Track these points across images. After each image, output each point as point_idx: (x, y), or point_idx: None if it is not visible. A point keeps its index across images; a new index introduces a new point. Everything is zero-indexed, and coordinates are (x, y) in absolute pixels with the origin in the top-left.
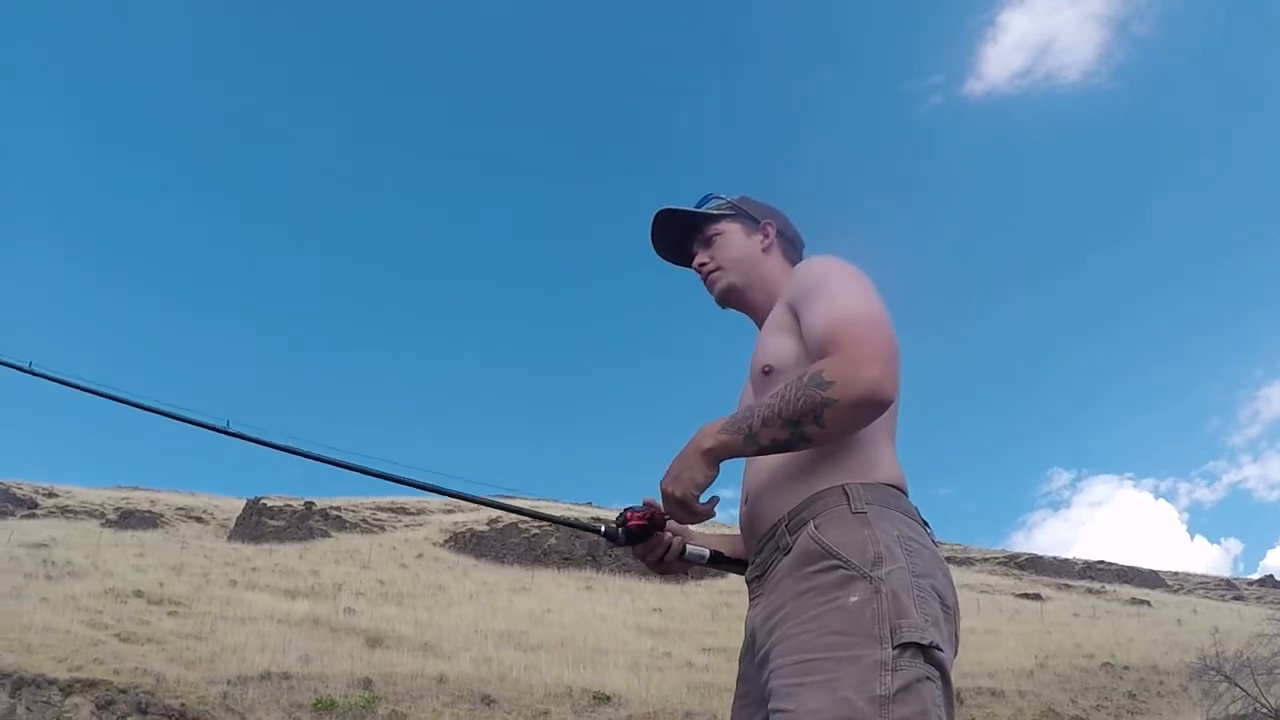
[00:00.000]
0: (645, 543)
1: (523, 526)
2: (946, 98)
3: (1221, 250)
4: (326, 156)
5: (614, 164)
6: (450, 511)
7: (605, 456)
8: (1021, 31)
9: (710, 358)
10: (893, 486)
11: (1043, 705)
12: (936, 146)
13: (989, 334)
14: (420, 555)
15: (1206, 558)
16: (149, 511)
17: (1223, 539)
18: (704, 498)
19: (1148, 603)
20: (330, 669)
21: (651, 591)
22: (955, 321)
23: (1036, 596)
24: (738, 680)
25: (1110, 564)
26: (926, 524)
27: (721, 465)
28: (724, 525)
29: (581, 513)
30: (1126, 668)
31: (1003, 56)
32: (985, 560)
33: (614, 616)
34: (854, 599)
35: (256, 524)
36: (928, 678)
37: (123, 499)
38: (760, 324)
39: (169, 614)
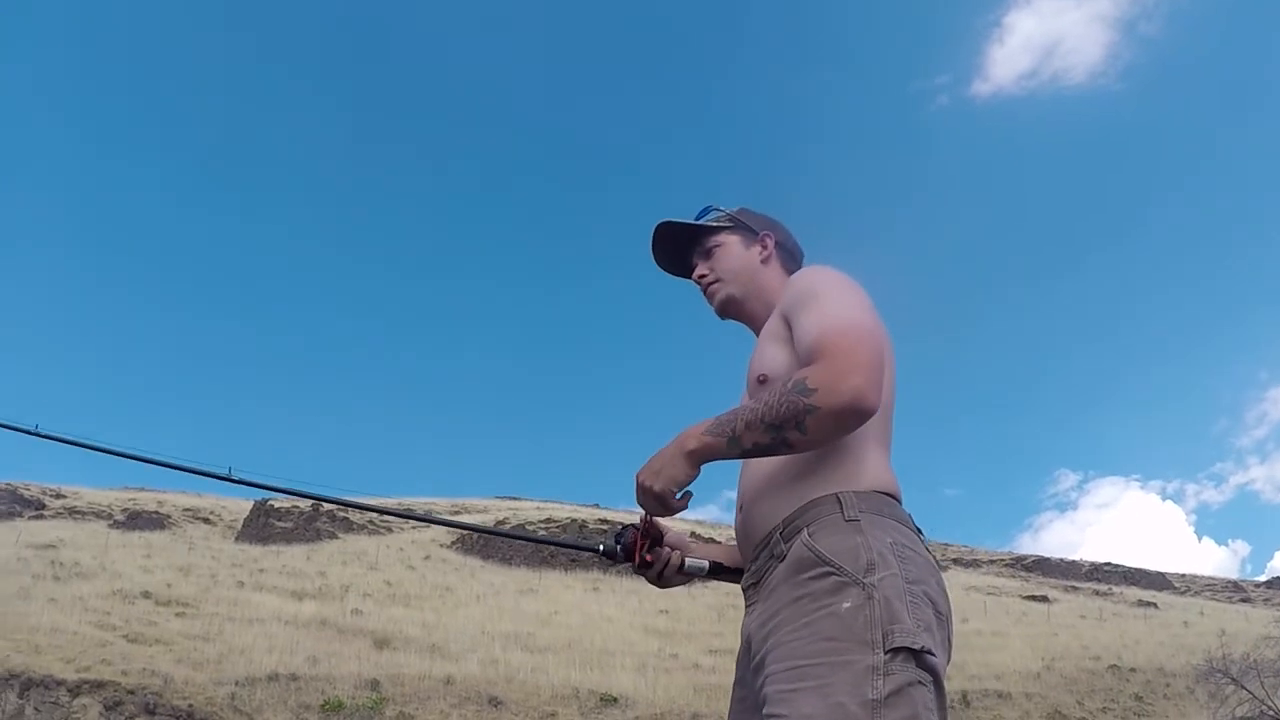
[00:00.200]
0: (645, 560)
1: (530, 527)
2: (953, 98)
3: (1228, 250)
4: (327, 157)
5: (618, 165)
6: (457, 513)
7: (611, 457)
8: (1028, 32)
9: (716, 359)
10: (886, 494)
11: (1049, 707)
12: (943, 147)
13: (995, 335)
14: (427, 557)
15: (1214, 560)
16: (156, 512)
17: (1230, 541)
18: (678, 494)
19: (1155, 605)
20: (338, 670)
21: (658, 593)
22: (961, 322)
23: (1043, 598)
24: (734, 685)
25: (1117, 566)
26: (920, 531)
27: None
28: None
29: (588, 514)
30: (1133, 670)
31: (1009, 57)
32: (992, 562)
33: (621, 618)
34: (847, 605)
35: (264, 525)
36: (919, 682)
37: (130, 500)
38: (759, 334)
39: (176, 615)
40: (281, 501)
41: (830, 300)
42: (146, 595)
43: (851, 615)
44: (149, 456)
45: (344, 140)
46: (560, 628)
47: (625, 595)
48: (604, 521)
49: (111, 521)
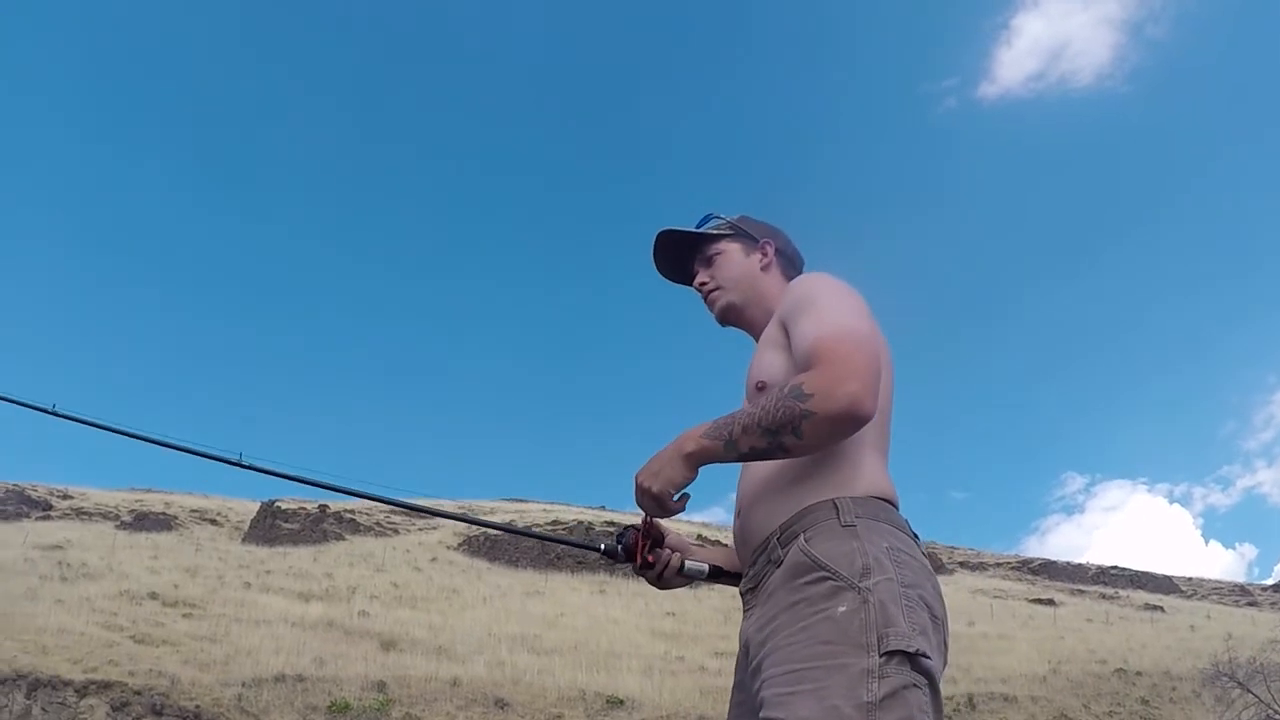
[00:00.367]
0: (647, 561)
1: (535, 529)
2: (960, 101)
3: (1236, 253)
4: (329, 156)
5: (625, 165)
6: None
7: (617, 460)
8: (1036, 35)
9: (723, 362)
10: (883, 500)
11: (1055, 711)
12: (951, 149)
13: (1003, 337)
14: (434, 559)
15: (1221, 563)
16: (163, 514)
17: (1237, 544)
18: (675, 496)
19: (1161, 608)
20: (344, 672)
21: (664, 596)
22: (969, 324)
23: (1050, 602)
24: (733, 689)
25: (1124, 569)
26: (916, 536)
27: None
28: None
29: (594, 516)
30: (1139, 674)
31: (1017, 60)
32: (999, 565)
33: (627, 620)
34: (842, 609)
35: (271, 527)
36: (914, 684)
37: (137, 501)
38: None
39: (184, 616)
40: (288, 503)
41: (827, 307)
42: (153, 596)
43: (847, 619)
44: (161, 439)
45: (347, 141)
46: (567, 630)
47: (631, 598)
48: (610, 524)
49: (118, 522)
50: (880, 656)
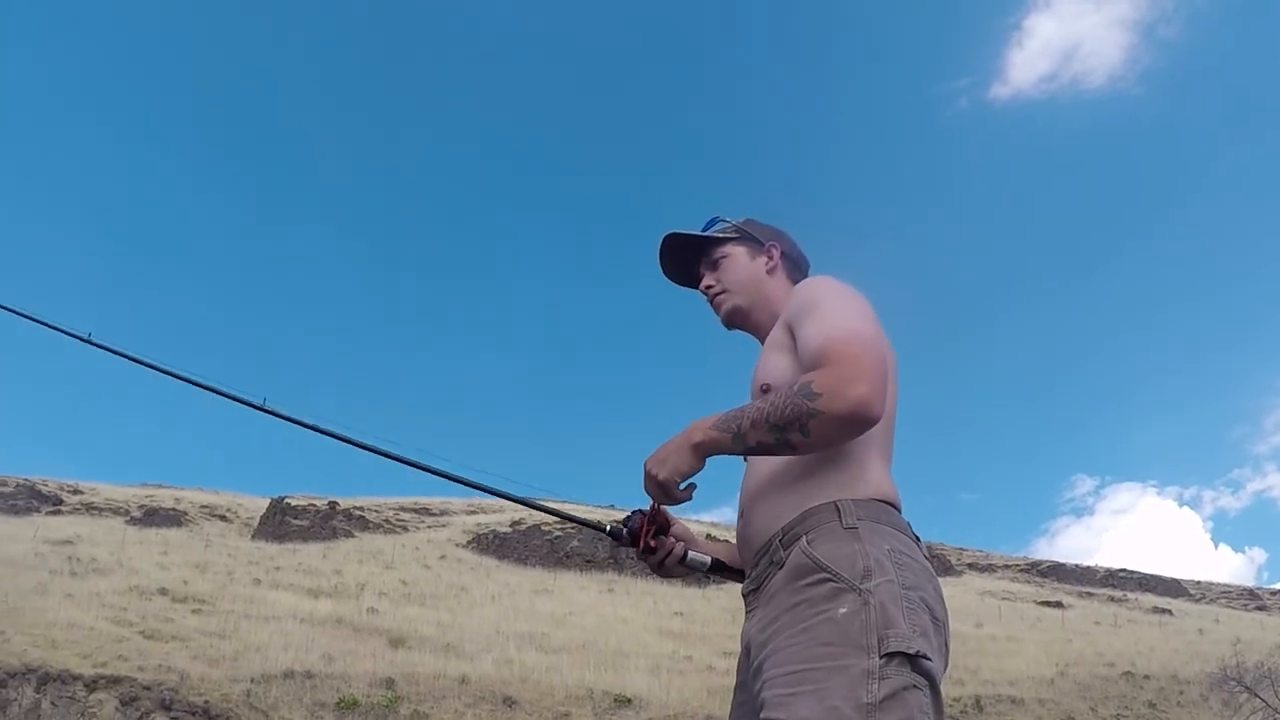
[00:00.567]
0: (649, 545)
1: (545, 528)
2: (972, 101)
3: (1247, 255)
4: (346, 156)
5: (639, 166)
6: (473, 513)
7: (627, 458)
8: (1048, 36)
9: (730, 362)
10: (885, 502)
11: (1063, 713)
12: (962, 150)
13: (1013, 338)
14: (443, 556)
15: (1230, 567)
16: (173, 509)
17: (1247, 548)
18: (682, 485)
19: (1169, 612)
20: (353, 668)
21: (673, 595)
22: (979, 325)
23: (1058, 604)
24: (735, 689)
25: (1132, 572)
26: (918, 539)
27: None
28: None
29: (603, 515)
30: (1147, 677)
31: (1029, 61)
32: (1007, 567)
33: (635, 619)
34: (843, 611)
35: (280, 523)
36: (914, 686)
37: (147, 497)
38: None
39: (193, 612)
40: (298, 499)
41: (833, 310)
42: (163, 592)
43: (848, 620)
44: (187, 375)
45: (365, 140)
46: (575, 628)
47: (640, 596)
48: (618, 524)
49: (128, 518)
50: (881, 658)
